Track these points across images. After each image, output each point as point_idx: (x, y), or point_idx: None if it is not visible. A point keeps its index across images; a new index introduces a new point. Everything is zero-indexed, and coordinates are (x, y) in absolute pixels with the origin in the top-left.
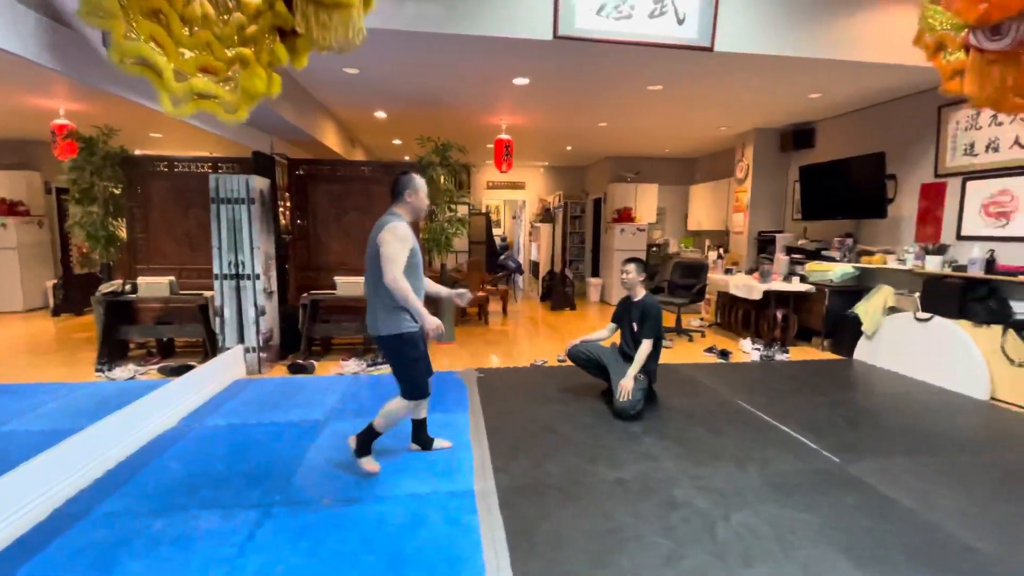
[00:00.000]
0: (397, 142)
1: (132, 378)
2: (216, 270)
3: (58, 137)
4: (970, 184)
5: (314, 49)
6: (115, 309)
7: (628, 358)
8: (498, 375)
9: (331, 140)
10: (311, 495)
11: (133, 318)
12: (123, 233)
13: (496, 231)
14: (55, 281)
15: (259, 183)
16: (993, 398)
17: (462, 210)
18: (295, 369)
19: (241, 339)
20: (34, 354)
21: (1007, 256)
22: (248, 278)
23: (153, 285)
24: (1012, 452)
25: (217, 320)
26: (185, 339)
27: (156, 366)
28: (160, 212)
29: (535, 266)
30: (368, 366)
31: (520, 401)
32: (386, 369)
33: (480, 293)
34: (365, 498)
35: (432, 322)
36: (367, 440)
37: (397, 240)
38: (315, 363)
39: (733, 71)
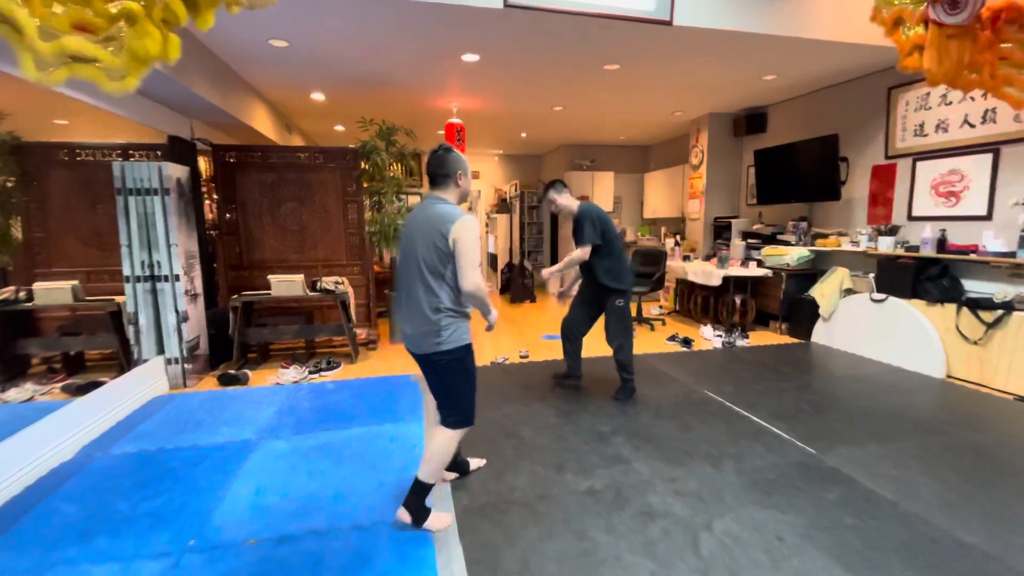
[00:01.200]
0: (339, 128)
1: (30, 399)
2: (127, 271)
3: None
4: (920, 164)
5: (222, 6)
6: (9, 320)
7: (589, 303)
8: None
9: (263, 125)
10: (233, 535)
11: (32, 329)
12: (19, 233)
13: None
14: None
15: (174, 171)
16: (949, 376)
17: (413, 200)
18: (226, 381)
19: (161, 349)
20: None
21: (957, 235)
22: (166, 279)
23: (53, 291)
24: (978, 432)
25: (131, 329)
26: (98, 351)
27: (60, 384)
28: (62, 208)
29: (493, 258)
30: (310, 373)
31: (479, 404)
32: (331, 375)
33: None
34: (299, 535)
35: (495, 314)
36: (419, 500)
37: (475, 237)
38: (249, 373)
39: (690, 49)
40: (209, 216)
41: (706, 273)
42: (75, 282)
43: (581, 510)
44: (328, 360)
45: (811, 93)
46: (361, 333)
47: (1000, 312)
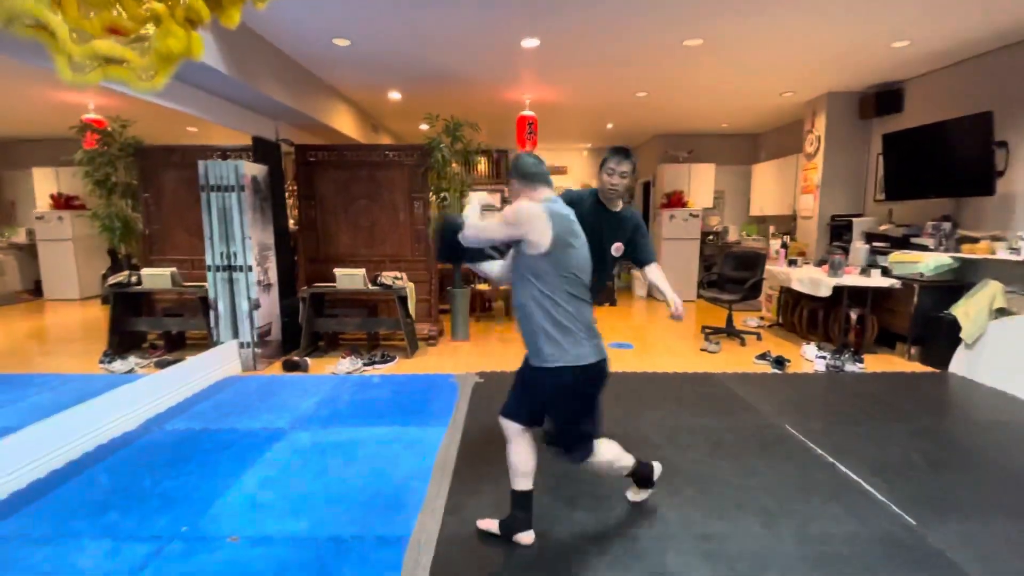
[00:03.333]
0: (424, 127)
1: (131, 371)
2: (208, 261)
3: (87, 132)
4: None
5: (248, 3)
6: (122, 300)
7: None
8: (500, 381)
9: (345, 125)
10: (221, 528)
11: (142, 309)
12: (140, 225)
13: None
14: (105, 271)
15: (251, 169)
16: None
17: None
18: (289, 367)
19: (235, 334)
20: (59, 342)
21: None
22: (240, 270)
23: (155, 276)
24: None
25: (212, 313)
26: (197, 332)
27: (155, 359)
28: (172, 203)
29: None
30: (364, 365)
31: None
32: (383, 369)
33: (505, 286)
34: (278, 538)
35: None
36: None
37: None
38: (309, 360)
39: (789, 12)
40: (294, 212)
41: (813, 281)
42: (173, 269)
43: (578, 560)
44: (384, 353)
45: (960, 63)
46: (422, 328)
47: None
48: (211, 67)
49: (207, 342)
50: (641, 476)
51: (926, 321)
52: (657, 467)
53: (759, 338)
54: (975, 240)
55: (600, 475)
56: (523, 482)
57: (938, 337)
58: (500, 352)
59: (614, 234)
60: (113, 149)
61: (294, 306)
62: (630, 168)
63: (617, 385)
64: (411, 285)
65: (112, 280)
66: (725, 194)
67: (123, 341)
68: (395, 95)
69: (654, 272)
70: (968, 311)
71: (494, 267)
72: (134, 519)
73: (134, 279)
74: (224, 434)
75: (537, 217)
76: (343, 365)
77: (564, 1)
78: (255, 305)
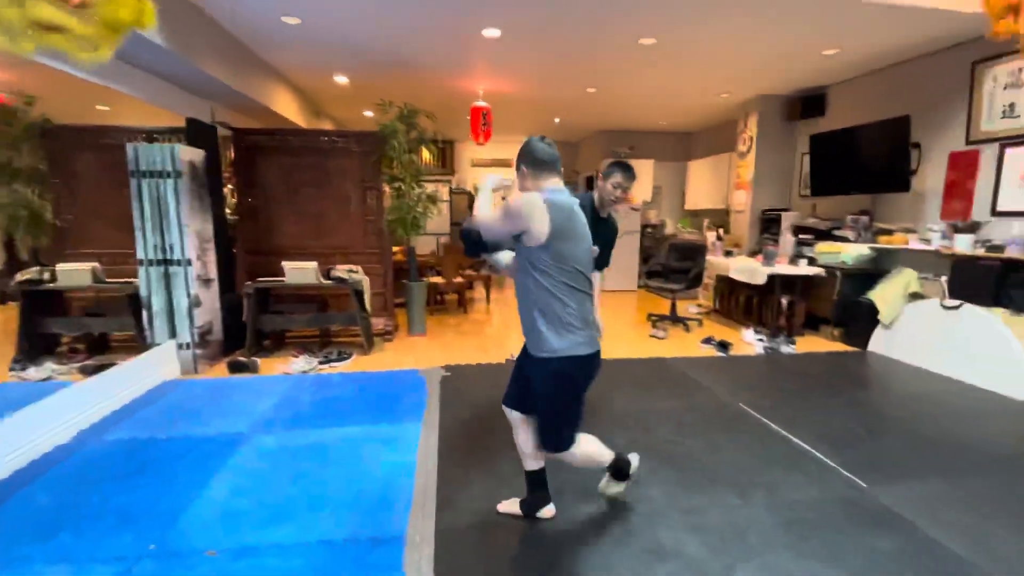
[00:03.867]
0: (369, 114)
1: (48, 379)
2: (140, 255)
3: None
4: (1009, 151)
5: None
6: (34, 299)
7: None
8: (466, 373)
9: (287, 109)
10: (195, 542)
11: (58, 309)
12: (50, 215)
13: None
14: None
15: (187, 153)
16: None
17: (433, 188)
18: (235, 368)
19: (173, 334)
20: None
21: None
22: (178, 264)
23: (74, 272)
24: None
25: (144, 312)
26: (124, 333)
27: (78, 364)
28: (90, 191)
29: None
30: (320, 363)
31: (485, 406)
32: (341, 367)
33: (458, 279)
34: (262, 547)
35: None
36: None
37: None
38: (259, 361)
39: (739, 17)
40: (231, 200)
41: (750, 270)
42: (95, 264)
43: (577, 542)
44: (339, 351)
45: (878, 71)
46: (378, 323)
47: None
48: (149, 40)
49: (135, 344)
50: (618, 469)
51: (847, 305)
52: (634, 460)
53: (700, 324)
54: (890, 232)
55: (575, 466)
56: (534, 463)
57: (858, 319)
58: (459, 345)
59: (596, 238)
60: (16, 130)
61: (235, 303)
62: (631, 183)
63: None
64: (366, 279)
65: (21, 277)
66: (663, 189)
67: (35, 345)
68: (341, 79)
69: (596, 279)
70: (885, 296)
71: (506, 257)
72: (90, 539)
73: (47, 276)
74: (176, 442)
75: (535, 207)
76: (297, 364)
77: None
78: (195, 302)
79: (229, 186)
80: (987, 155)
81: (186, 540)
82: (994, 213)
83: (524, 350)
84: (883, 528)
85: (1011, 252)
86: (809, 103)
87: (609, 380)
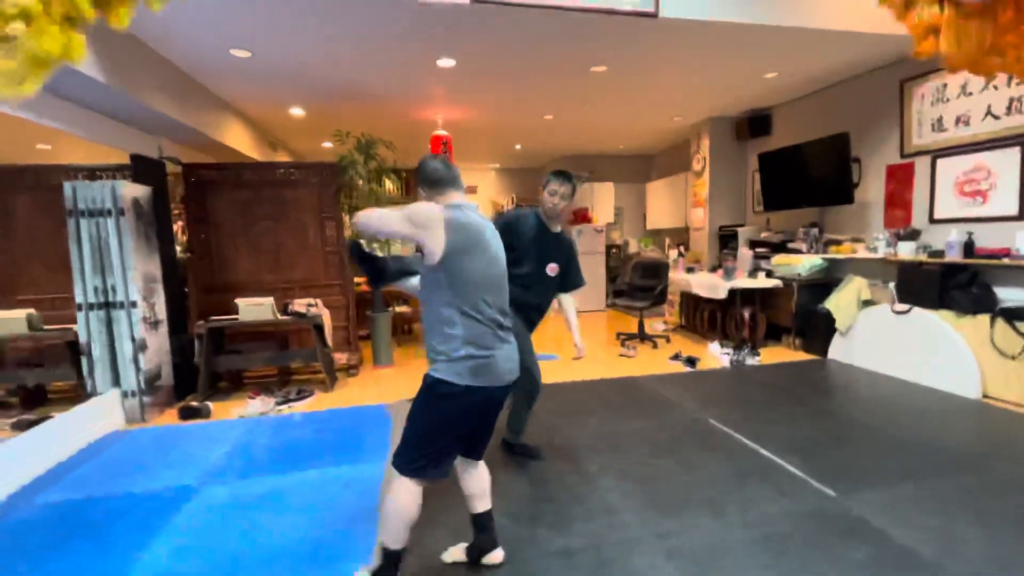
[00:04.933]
0: (328, 145)
1: None
2: (79, 299)
3: None
4: (940, 162)
5: (140, 2)
6: None
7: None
8: None
9: (240, 143)
10: None
11: None
12: None
13: None
14: None
15: (131, 190)
16: (985, 395)
17: None
18: (186, 414)
19: (117, 382)
20: None
21: (986, 238)
22: (121, 306)
23: (6, 320)
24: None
25: (84, 360)
26: (64, 383)
27: (12, 420)
28: (27, 232)
29: None
30: (277, 404)
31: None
32: (301, 406)
33: None
34: None
35: None
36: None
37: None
38: (211, 405)
39: (681, 45)
40: (183, 238)
41: (711, 285)
42: (31, 310)
43: None
44: (300, 389)
45: (817, 92)
46: (341, 358)
47: None
48: (85, 74)
49: (77, 395)
50: (385, 559)
51: (805, 315)
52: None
53: (668, 340)
54: (840, 242)
55: (380, 509)
56: (481, 504)
57: (816, 328)
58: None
59: (552, 254)
60: None
61: (186, 344)
62: (569, 190)
63: (553, 395)
64: (326, 312)
65: None
66: (624, 210)
67: None
68: (297, 111)
69: (569, 302)
70: (839, 304)
71: (415, 281)
72: None
73: None
74: (116, 500)
75: (435, 222)
76: (253, 406)
77: (481, 24)
78: (141, 346)
79: (180, 223)
80: (921, 167)
81: None
82: (932, 220)
83: None
84: (855, 538)
85: (950, 256)
86: (756, 123)
87: (581, 403)
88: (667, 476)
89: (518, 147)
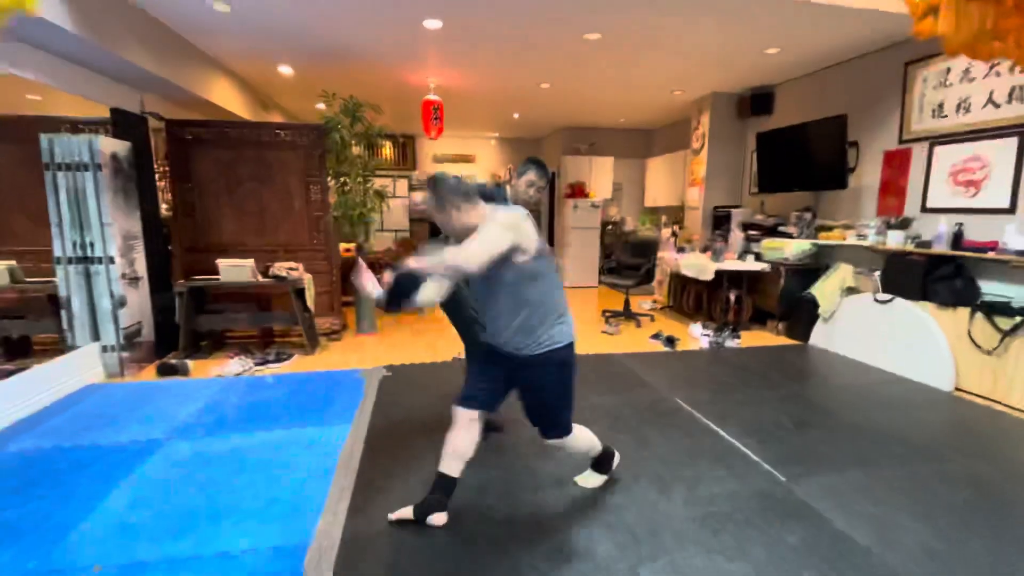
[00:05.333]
0: (321, 107)
1: None
2: (57, 252)
3: None
4: (938, 149)
5: None
6: None
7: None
8: (409, 373)
9: (229, 100)
10: (83, 558)
11: None
12: None
13: None
14: None
15: (109, 145)
16: (958, 388)
17: (382, 182)
18: (164, 371)
19: (97, 336)
20: None
21: (975, 230)
22: (99, 261)
23: None
24: (983, 460)
25: (63, 313)
26: (47, 335)
27: None
28: (9, 184)
29: None
30: (256, 364)
31: (422, 407)
32: (279, 368)
33: None
34: (152, 562)
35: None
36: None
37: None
38: (190, 363)
39: (674, 14)
40: (167, 196)
41: (699, 266)
42: (12, 262)
43: (488, 546)
44: (279, 352)
45: (821, 71)
46: (324, 323)
47: (1019, 319)
48: (55, 25)
49: (59, 347)
50: (600, 461)
51: (791, 300)
52: (616, 457)
53: (652, 319)
54: (831, 228)
55: (571, 451)
56: (457, 467)
57: (801, 314)
58: (410, 344)
59: None
60: None
61: (169, 303)
62: (546, 182)
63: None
64: (309, 276)
65: None
66: (623, 186)
67: None
68: (286, 69)
69: None
70: (824, 291)
71: (428, 291)
72: None
73: None
74: (82, 451)
75: (522, 221)
76: (231, 366)
77: None
78: (120, 302)
79: (163, 181)
80: (918, 153)
81: (73, 556)
82: (924, 210)
83: (496, 353)
84: (794, 521)
85: (937, 247)
86: (758, 101)
87: None
88: (622, 451)
89: (516, 116)
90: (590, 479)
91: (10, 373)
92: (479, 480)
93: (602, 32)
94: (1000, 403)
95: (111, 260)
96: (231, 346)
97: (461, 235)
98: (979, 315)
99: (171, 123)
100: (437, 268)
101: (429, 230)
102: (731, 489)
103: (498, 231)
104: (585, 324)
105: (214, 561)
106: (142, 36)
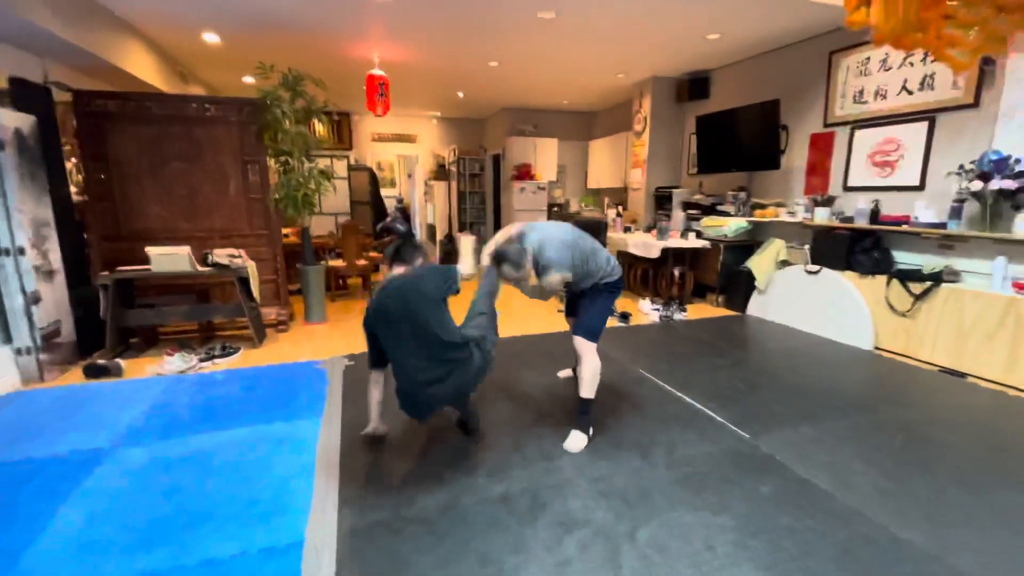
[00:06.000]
0: (249, 80)
1: None
2: None
3: None
4: (859, 133)
5: None
6: None
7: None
8: None
9: (144, 71)
10: None
11: None
12: None
13: (390, 192)
14: None
15: (12, 120)
16: (877, 347)
17: (324, 163)
18: (93, 372)
19: (8, 338)
20: None
21: (890, 206)
22: (7, 254)
23: None
24: (907, 408)
25: None
26: None
27: None
28: None
29: (431, 229)
30: (200, 361)
31: (391, 393)
32: (226, 363)
33: (360, 261)
34: None
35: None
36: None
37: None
38: (122, 363)
39: None
40: (78, 178)
41: (646, 245)
42: None
43: (489, 525)
44: (224, 345)
45: (755, 57)
46: (269, 313)
47: (928, 284)
48: None
49: None
50: (585, 411)
51: (730, 274)
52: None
53: None
54: (764, 206)
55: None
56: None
57: (738, 286)
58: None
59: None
60: None
61: (89, 297)
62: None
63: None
64: (252, 264)
65: None
66: (567, 168)
67: None
68: (212, 37)
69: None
70: (760, 264)
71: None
72: None
73: None
74: (15, 466)
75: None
76: (172, 364)
77: None
78: (34, 299)
79: (73, 161)
80: (840, 137)
81: None
82: (846, 188)
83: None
84: (764, 474)
85: (858, 222)
86: (695, 85)
87: (518, 357)
88: (599, 422)
89: (461, 95)
90: (575, 441)
91: None
92: (470, 461)
93: (556, 11)
94: (913, 358)
95: (20, 251)
96: (166, 343)
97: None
98: (895, 282)
99: (81, 94)
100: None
101: (372, 214)
102: (704, 450)
103: (568, 237)
104: (542, 305)
105: (199, 570)
106: None
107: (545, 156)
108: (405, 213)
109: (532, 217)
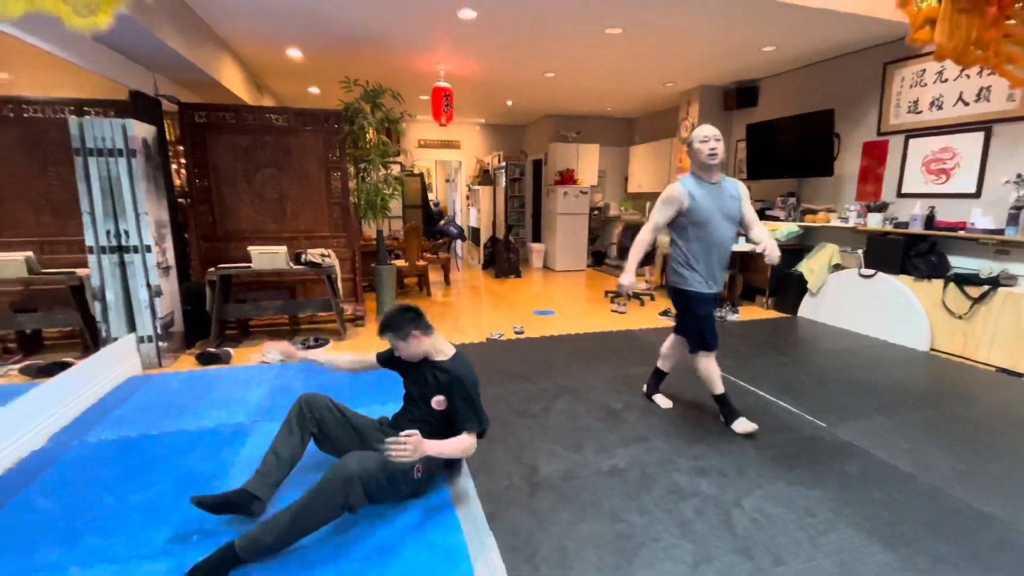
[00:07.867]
0: (314, 90)
1: None
2: (90, 242)
3: None
4: (913, 141)
5: None
6: None
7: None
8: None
9: (233, 83)
10: (238, 527)
11: None
12: None
13: (428, 196)
14: None
15: (141, 130)
16: (932, 348)
17: (395, 169)
18: (206, 359)
19: (132, 327)
20: None
21: (946, 212)
22: (135, 251)
23: (3, 264)
24: (970, 404)
25: (97, 305)
26: (57, 329)
27: (17, 366)
28: (7, 170)
29: (475, 232)
30: (301, 350)
31: (482, 382)
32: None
33: (420, 262)
34: None
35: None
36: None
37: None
38: (231, 351)
39: (695, 13)
40: (177, 182)
41: None
42: (29, 253)
43: (610, 491)
44: (316, 337)
45: (804, 67)
46: (347, 309)
47: (986, 288)
48: None
49: (72, 341)
50: (723, 401)
51: (780, 277)
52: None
53: (652, 298)
54: (815, 212)
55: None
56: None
57: (789, 289)
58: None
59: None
60: None
61: (193, 291)
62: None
63: (561, 344)
64: (337, 263)
65: None
66: (606, 173)
67: None
68: (295, 52)
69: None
70: (812, 267)
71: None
72: (121, 539)
73: None
74: (172, 437)
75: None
76: (274, 353)
77: None
78: (156, 292)
79: (174, 166)
80: (894, 145)
81: (229, 527)
82: (899, 195)
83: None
84: (848, 456)
85: (913, 228)
86: (744, 94)
87: (590, 351)
88: (681, 411)
89: (509, 103)
90: (741, 425)
91: (41, 368)
92: (574, 441)
93: (624, 28)
94: (970, 359)
95: (147, 249)
96: (256, 334)
97: None
98: (952, 285)
99: (186, 106)
100: None
101: (423, 216)
102: (787, 437)
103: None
104: (591, 304)
105: (377, 520)
106: (171, 14)
107: (587, 161)
108: (442, 214)
109: (574, 221)
